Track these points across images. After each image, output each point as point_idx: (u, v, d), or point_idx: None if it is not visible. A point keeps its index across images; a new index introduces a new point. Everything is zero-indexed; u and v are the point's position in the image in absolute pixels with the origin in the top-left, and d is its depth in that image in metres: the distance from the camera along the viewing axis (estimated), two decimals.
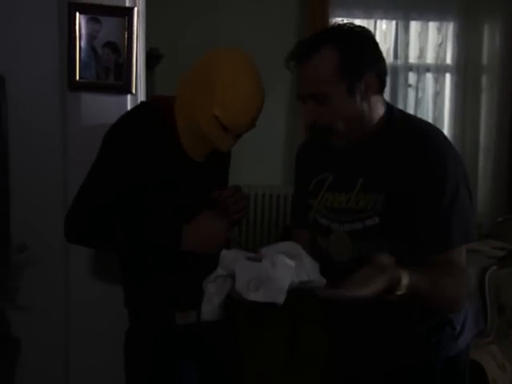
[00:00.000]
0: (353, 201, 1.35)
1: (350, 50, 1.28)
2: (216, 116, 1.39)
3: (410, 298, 1.20)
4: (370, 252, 1.25)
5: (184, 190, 1.51)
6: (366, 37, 1.34)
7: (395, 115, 1.38)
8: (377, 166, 1.33)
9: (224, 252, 1.23)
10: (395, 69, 3.93)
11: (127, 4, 1.86)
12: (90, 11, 1.83)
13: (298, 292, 1.18)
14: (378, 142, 1.34)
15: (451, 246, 1.27)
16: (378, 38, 4.33)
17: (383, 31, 4.02)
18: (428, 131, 1.34)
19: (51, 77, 1.85)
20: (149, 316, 1.56)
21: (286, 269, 1.12)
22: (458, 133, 4.02)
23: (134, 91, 1.88)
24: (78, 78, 1.84)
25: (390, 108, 1.39)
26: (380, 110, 1.36)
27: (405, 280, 1.17)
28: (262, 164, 3.92)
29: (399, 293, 1.17)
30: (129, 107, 1.88)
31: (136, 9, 1.86)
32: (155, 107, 1.53)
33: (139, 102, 1.91)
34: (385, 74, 1.36)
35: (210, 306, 1.24)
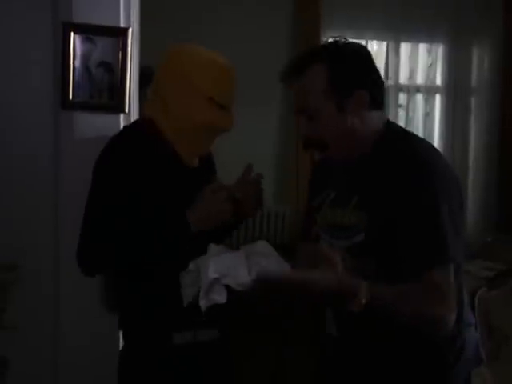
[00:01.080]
0: (347, 217, 1.37)
1: (340, 68, 1.32)
2: (211, 98, 1.47)
3: (377, 310, 1.21)
4: (356, 268, 1.28)
5: (182, 197, 1.52)
6: (358, 53, 1.36)
7: (392, 132, 1.40)
8: (370, 183, 1.35)
9: (209, 246, 1.40)
10: (386, 89, 3.95)
11: (121, 24, 1.87)
12: (84, 31, 1.83)
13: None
14: (373, 159, 1.36)
15: (426, 267, 1.26)
16: None
17: (374, 52, 4.04)
18: (419, 152, 1.33)
19: (44, 96, 1.85)
20: (145, 336, 1.56)
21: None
22: (448, 153, 4.05)
23: (127, 111, 1.89)
24: (71, 97, 1.84)
25: (389, 124, 1.41)
26: (377, 126, 1.38)
27: (364, 287, 1.17)
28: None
29: (361, 301, 1.17)
30: (121, 126, 1.88)
31: (130, 29, 1.87)
32: (139, 128, 1.57)
33: (131, 121, 1.91)
34: (379, 89, 1.38)
35: (188, 294, 1.38)
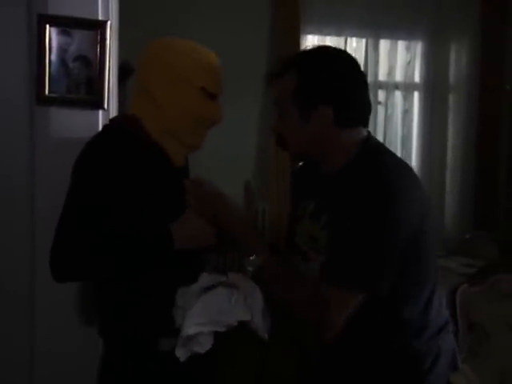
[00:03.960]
0: (320, 234, 1.38)
1: (308, 81, 1.33)
2: (202, 87, 1.44)
3: (266, 280, 1.34)
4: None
5: (167, 199, 1.48)
6: (334, 67, 1.34)
7: (366, 151, 1.37)
8: (337, 204, 1.33)
9: (201, 275, 1.41)
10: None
11: (100, 17, 1.81)
12: (60, 24, 1.77)
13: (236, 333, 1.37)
14: (341, 178, 1.35)
15: (325, 279, 1.28)
16: None
17: (353, 49, 4.03)
18: (383, 176, 1.29)
19: (19, 91, 1.78)
20: (129, 342, 1.48)
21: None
22: (426, 150, 4.06)
23: (105, 107, 1.83)
24: (47, 92, 1.78)
25: (367, 141, 1.38)
26: (348, 143, 1.36)
27: (265, 252, 1.33)
28: (232, 178, 3.87)
29: (255, 260, 1.31)
30: (100, 123, 1.82)
31: (109, 22, 1.81)
32: (122, 126, 1.50)
33: (110, 117, 1.85)
34: (351, 107, 1.35)
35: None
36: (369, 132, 1.43)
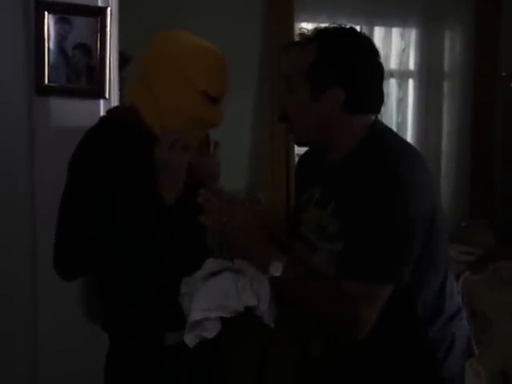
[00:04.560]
0: (327, 222, 1.34)
1: (325, 57, 1.29)
2: (204, 91, 1.38)
3: (287, 283, 1.27)
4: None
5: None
6: (353, 50, 1.31)
7: (373, 137, 1.34)
8: (345, 190, 1.31)
9: (206, 261, 1.37)
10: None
11: (100, 3, 1.75)
12: (59, 10, 1.72)
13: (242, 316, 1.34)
14: (348, 163, 1.33)
15: (348, 275, 1.25)
16: None
17: None
18: (392, 162, 1.27)
19: (17, 81, 1.73)
20: (135, 337, 1.45)
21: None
22: (421, 137, 4.04)
23: (107, 96, 1.78)
24: (46, 81, 1.72)
25: (374, 126, 1.36)
26: (355, 129, 1.33)
27: (278, 253, 1.27)
28: (226, 170, 3.84)
29: (279, 265, 1.25)
30: (102, 113, 1.77)
31: (109, 9, 1.76)
32: (120, 117, 1.46)
33: (111, 107, 1.81)
34: (364, 94, 1.32)
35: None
36: (376, 117, 1.40)
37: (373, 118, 1.38)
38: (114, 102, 1.83)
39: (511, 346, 2.61)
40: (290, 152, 3.87)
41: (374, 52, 1.34)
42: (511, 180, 3.84)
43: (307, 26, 4.00)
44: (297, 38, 1.37)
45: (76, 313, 1.79)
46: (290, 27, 3.81)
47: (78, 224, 1.36)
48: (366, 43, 1.34)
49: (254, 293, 1.33)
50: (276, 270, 1.27)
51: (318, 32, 1.33)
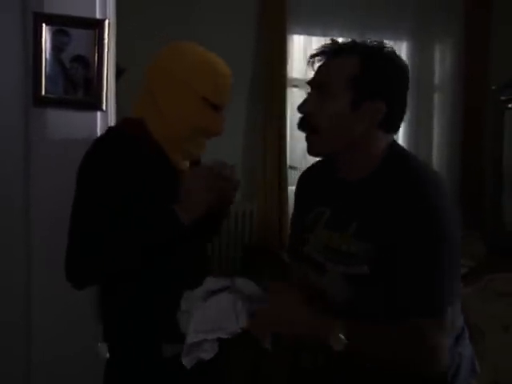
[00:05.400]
0: (345, 244, 1.29)
1: (374, 69, 1.26)
2: (205, 98, 1.40)
3: (357, 350, 1.19)
4: (366, 298, 1.25)
5: (171, 200, 1.43)
6: (396, 67, 1.30)
7: (396, 156, 1.32)
8: (370, 211, 1.27)
9: (206, 279, 1.36)
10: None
11: (97, 16, 1.75)
12: (57, 23, 1.71)
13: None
14: (373, 183, 1.29)
15: (415, 314, 1.20)
16: None
17: None
18: (424, 183, 1.26)
19: (14, 92, 1.72)
20: (133, 348, 1.45)
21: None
22: (412, 149, 4.06)
23: (104, 108, 1.77)
24: (43, 93, 1.72)
25: (392, 147, 1.34)
26: (379, 148, 1.30)
27: (338, 325, 1.17)
28: None
29: (339, 339, 1.15)
30: (99, 125, 1.78)
31: (107, 21, 1.76)
32: (126, 128, 1.47)
33: (109, 119, 1.80)
34: (399, 113, 1.31)
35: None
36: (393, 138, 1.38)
37: (391, 139, 1.36)
38: (111, 114, 1.83)
39: (504, 358, 2.62)
40: (282, 161, 3.88)
41: (407, 68, 1.33)
42: (501, 192, 3.87)
43: (299, 39, 4.04)
44: (324, 48, 1.31)
45: (71, 321, 1.78)
46: (283, 39, 3.84)
47: (90, 234, 1.36)
48: (402, 60, 1.33)
49: (253, 314, 1.31)
50: (339, 343, 1.17)
51: (355, 43, 1.31)
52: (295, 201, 1.55)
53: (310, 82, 1.33)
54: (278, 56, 3.83)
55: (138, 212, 1.39)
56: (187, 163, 1.54)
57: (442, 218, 1.22)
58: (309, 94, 1.32)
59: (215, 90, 1.42)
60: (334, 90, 1.27)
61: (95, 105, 1.76)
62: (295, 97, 4.04)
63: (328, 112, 1.28)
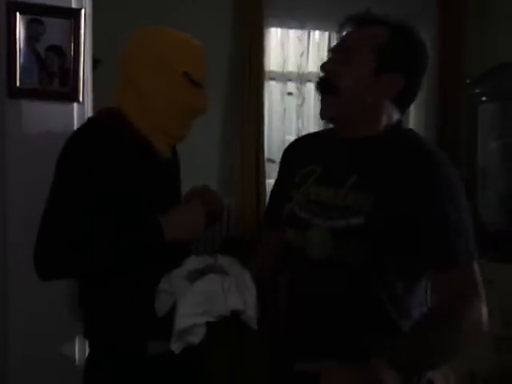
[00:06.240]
0: (340, 197, 1.30)
1: (397, 42, 1.29)
2: (185, 72, 1.40)
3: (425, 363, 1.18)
4: (347, 254, 1.25)
5: (155, 189, 1.43)
6: (422, 49, 1.33)
7: (402, 129, 1.36)
8: (374, 166, 1.29)
9: (189, 258, 1.34)
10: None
11: (73, 5, 1.72)
12: (31, 11, 1.67)
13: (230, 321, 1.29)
14: (378, 145, 1.32)
15: (458, 263, 1.22)
16: (311, 48, 4.27)
17: (316, 42, 4.04)
18: (432, 148, 1.30)
19: None
20: (116, 344, 1.41)
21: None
22: None
23: (81, 99, 1.74)
24: (18, 84, 1.68)
25: (400, 123, 1.37)
26: (388, 120, 1.33)
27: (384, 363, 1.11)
28: (196, 175, 3.81)
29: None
30: (75, 117, 1.74)
31: (83, 10, 1.72)
32: (107, 118, 1.43)
33: (86, 111, 1.77)
34: (412, 92, 1.34)
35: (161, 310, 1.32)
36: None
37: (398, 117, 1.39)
38: (88, 106, 1.79)
39: (478, 348, 2.66)
40: (260, 154, 3.87)
41: (428, 52, 1.35)
42: (476, 185, 3.91)
43: (276, 32, 4.03)
44: (355, 16, 1.34)
45: (49, 321, 1.74)
46: (260, 33, 3.83)
47: (62, 226, 1.32)
48: (425, 42, 1.36)
49: (240, 296, 1.29)
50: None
51: (387, 17, 1.33)
52: (278, 171, 1.55)
53: (334, 48, 1.35)
54: (256, 49, 3.82)
55: (119, 207, 1.36)
56: (170, 151, 1.52)
57: (452, 175, 1.26)
58: (332, 56, 1.34)
59: (195, 64, 1.42)
60: (359, 55, 1.29)
61: (72, 96, 1.73)
62: (273, 89, 4.04)
63: (350, 73, 1.30)
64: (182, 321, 1.25)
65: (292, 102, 4.05)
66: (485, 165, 3.80)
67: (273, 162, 3.88)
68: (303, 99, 4.04)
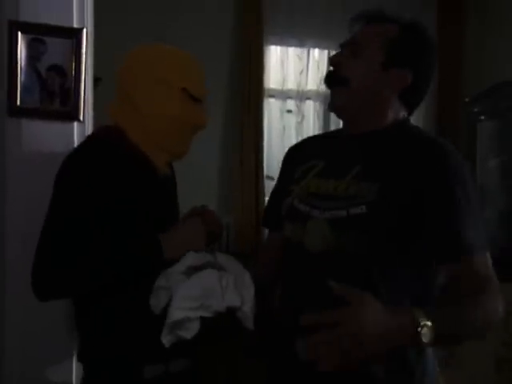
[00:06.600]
0: (342, 188, 1.29)
1: (407, 37, 1.31)
2: (184, 88, 1.39)
3: (449, 338, 1.11)
4: (348, 244, 1.22)
5: (154, 205, 1.42)
6: (431, 47, 1.35)
7: (408, 124, 1.37)
8: (379, 156, 1.29)
9: (187, 253, 1.31)
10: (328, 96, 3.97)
11: (75, 25, 1.72)
12: (33, 31, 1.68)
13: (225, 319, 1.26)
14: (384, 138, 1.32)
15: (471, 253, 1.19)
16: (310, 66, 4.30)
17: (316, 60, 4.07)
18: (440, 140, 1.30)
19: None
20: (112, 368, 1.39)
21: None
22: None
23: (81, 118, 1.74)
24: (18, 102, 1.68)
25: (407, 120, 1.38)
26: (395, 116, 1.34)
27: (423, 318, 1.02)
28: (195, 191, 3.81)
29: (426, 335, 1.02)
30: (76, 135, 1.73)
31: (85, 30, 1.73)
32: (106, 136, 1.43)
33: (86, 130, 1.77)
34: (420, 90, 1.34)
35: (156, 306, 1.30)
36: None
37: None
38: (88, 125, 1.79)
39: (480, 366, 2.64)
40: (259, 172, 3.88)
41: (436, 51, 1.38)
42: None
43: (276, 50, 4.05)
44: (366, 12, 1.36)
45: (46, 340, 1.72)
46: (260, 50, 3.85)
47: (60, 243, 1.31)
48: (434, 42, 1.38)
49: (238, 293, 1.27)
50: (428, 334, 1.03)
51: (398, 15, 1.35)
52: (281, 168, 1.54)
53: (344, 43, 1.36)
54: (255, 66, 3.84)
55: (118, 224, 1.35)
56: (169, 167, 1.52)
57: (462, 163, 1.26)
58: (341, 51, 1.35)
59: (193, 79, 1.41)
60: (368, 49, 1.31)
61: (72, 115, 1.72)
62: (272, 107, 4.06)
63: (359, 66, 1.31)
64: (174, 313, 1.23)
65: (291, 119, 4.07)
66: (484, 183, 3.80)
67: (272, 179, 3.88)
68: (303, 117, 4.06)
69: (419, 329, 1.02)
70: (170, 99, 1.39)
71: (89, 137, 1.46)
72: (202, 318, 1.25)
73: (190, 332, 1.25)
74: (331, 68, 1.36)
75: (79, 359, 1.45)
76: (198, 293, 1.25)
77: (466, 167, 1.27)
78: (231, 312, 1.27)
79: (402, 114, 1.36)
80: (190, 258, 1.31)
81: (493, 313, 1.17)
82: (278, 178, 1.55)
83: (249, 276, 1.31)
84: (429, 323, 1.03)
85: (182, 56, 1.44)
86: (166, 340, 1.25)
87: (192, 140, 1.48)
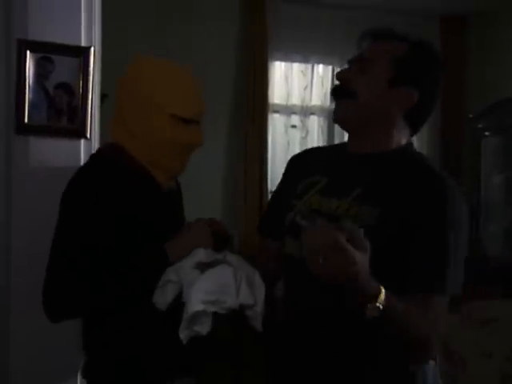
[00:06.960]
0: (343, 208, 1.29)
1: (416, 56, 1.31)
2: (173, 114, 1.36)
3: (387, 321, 1.14)
4: None
5: (159, 218, 1.42)
6: (438, 68, 1.35)
7: (412, 151, 1.36)
8: (380, 181, 1.29)
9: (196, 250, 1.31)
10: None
11: (83, 43, 1.74)
12: (41, 50, 1.69)
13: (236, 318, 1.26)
14: (386, 162, 1.32)
15: (435, 291, 1.21)
16: (315, 82, 4.32)
17: (320, 76, 4.09)
18: (442, 176, 1.29)
19: None
20: None
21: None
22: None
23: (88, 136, 1.75)
24: (26, 120, 1.69)
25: (411, 145, 1.38)
26: (399, 136, 1.34)
27: (383, 291, 1.10)
28: (200, 206, 3.82)
29: (378, 306, 1.09)
30: (82, 153, 1.74)
31: (92, 49, 1.74)
32: (109, 154, 1.44)
33: (93, 147, 1.78)
34: (425, 110, 1.34)
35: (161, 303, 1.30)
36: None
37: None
38: (95, 142, 1.80)
39: (485, 382, 2.62)
40: (263, 187, 3.89)
41: (442, 72, 1.38)
42: (479, 220, 3.91)
43: (281, 66, 4.08)
44: (375, 30, 1.36)
45: (51, 360, 1.72)
46: (265, 66, 3.88)
47: (72, 265, 1.31)
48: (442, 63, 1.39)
49: (251, 291, 1.26)
50: (375, 310, 1.11)
51: (407, 33, 1.35)
52: (283, 177, 1.54)
53: (352, 59, 1.36)
54: (260, 82, 3.87)
55: (125, 241, 1.36)
56: (173, 182, 1.52)
57: (460, 205, 1.25)
58: (349, 66, 1.35)
59: (184, 103, 1.38)
60: (376, 66, 1.30)
61: (79, 132, 1.74)
62: (276, 122, 4.08)
63: (367, 82, 1.30)
64: (194, 305, 1.22)
65: (296, 134, 4.09)
66: (488, 199, 3.80)
67: None
68: (307, 132, 4.08)
69: (375, 303, 1.09)
70: (158, 123, 1.37)
71: (92, 155, 1.47)
72: (214, 315, 1.25)
73: (205, 327, 1.24)
74: (337, 82, 1.36)
75: (84, 375, 1.45)
76: (214, 287, 1.24)
77: (465, 207, 1.26)
78: (242, 310, 1.27)
79: (406, 133, 1.36)
80: (199, 254, 1.31)
81: (428, 331, 1.19)
82: (279, 186, 1.54)
83: (259, 275, 1.30)
84: (380, 307, 1.10)
85: (173, 77, 1.40)
86: (184, 335, 1.24)
87: (189, 158, 1.47)
